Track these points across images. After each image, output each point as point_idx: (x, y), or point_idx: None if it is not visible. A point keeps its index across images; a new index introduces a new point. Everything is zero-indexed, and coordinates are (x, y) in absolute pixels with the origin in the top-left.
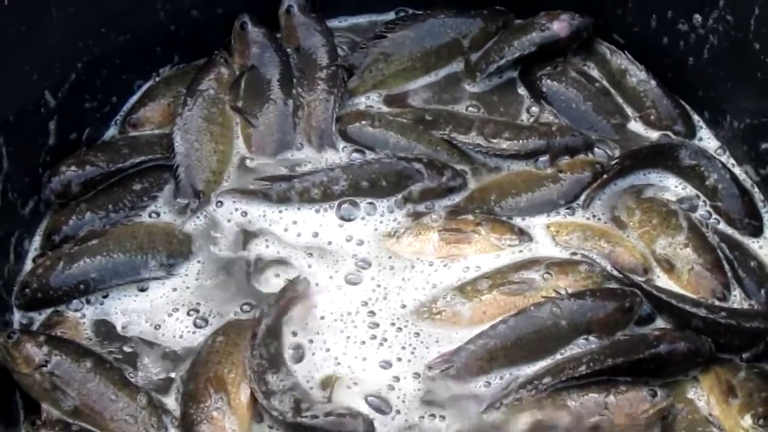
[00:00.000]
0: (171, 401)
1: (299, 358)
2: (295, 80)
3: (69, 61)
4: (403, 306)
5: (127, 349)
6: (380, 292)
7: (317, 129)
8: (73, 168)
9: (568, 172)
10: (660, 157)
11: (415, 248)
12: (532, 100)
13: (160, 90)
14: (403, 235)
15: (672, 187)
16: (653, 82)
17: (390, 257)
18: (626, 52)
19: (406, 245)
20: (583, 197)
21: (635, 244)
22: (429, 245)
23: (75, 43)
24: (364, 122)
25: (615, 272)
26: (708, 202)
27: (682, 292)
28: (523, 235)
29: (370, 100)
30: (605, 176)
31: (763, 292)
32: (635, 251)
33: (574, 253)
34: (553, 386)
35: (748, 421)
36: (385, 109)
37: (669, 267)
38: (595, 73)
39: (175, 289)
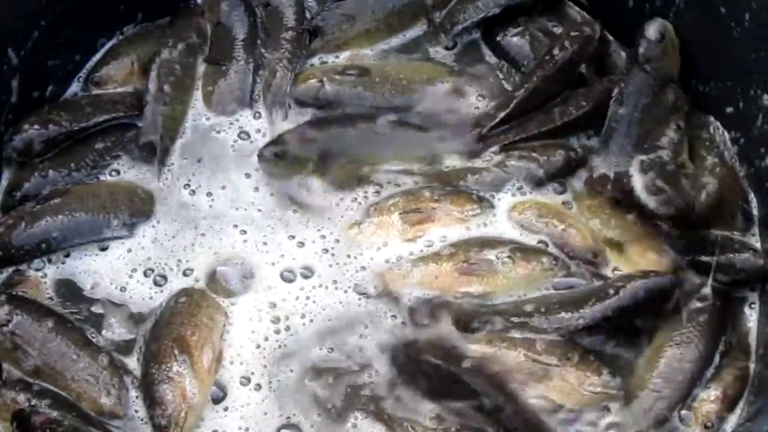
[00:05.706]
0: (133, 361)
1: None
2: (259, 40)
3: (32, 19)
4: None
5: (89, 308)
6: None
7: (272, 88)
8: (35, 126)
9: (542, 154)
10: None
11: (380, 237)
12: (500, 61)
13: (124, 48)
14: (365, 224)
15: None
16: (623, 54)
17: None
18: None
19: (370, 234)
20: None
21: (587, 222)
22: (392, 230)
23: (38, 0)
24: (312, 81)
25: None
26: None
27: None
28: (483, 201)
29: (321, 60)
30: None
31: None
32: (586, 234)
33: (533, 231)
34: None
35: None
36: (330, 66)
37: (618, 248)
38: None
39: (143, 247)
